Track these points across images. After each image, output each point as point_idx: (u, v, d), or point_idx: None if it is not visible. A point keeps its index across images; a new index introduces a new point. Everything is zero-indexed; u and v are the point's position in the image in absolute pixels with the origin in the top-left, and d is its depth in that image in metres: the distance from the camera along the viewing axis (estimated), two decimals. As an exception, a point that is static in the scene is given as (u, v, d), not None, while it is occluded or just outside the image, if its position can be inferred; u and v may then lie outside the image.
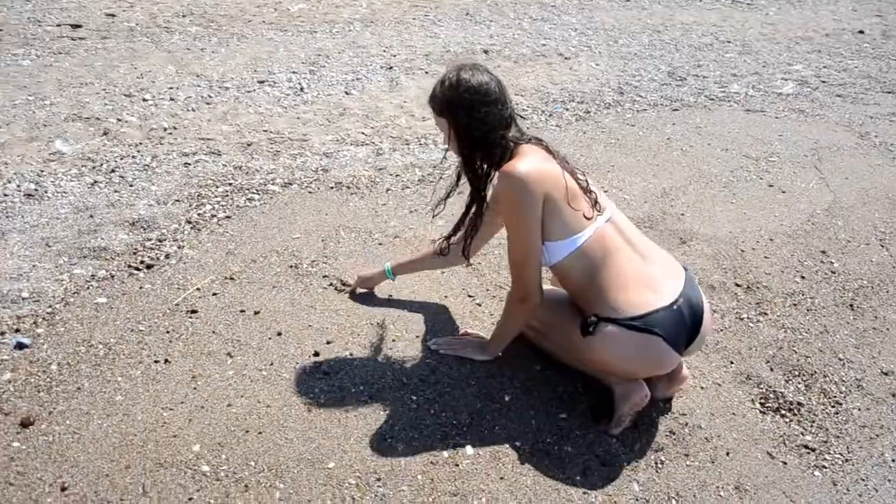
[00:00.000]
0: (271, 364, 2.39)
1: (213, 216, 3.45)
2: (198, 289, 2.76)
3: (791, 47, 8.30)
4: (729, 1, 10.47)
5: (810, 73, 7.13)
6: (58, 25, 6.78)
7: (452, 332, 2.66)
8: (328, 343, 2.51)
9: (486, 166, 2.24)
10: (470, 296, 2.90)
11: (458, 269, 3.00)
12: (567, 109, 5.58)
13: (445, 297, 2.85)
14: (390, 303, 2.80)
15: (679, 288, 2.22)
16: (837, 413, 2.59)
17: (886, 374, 2.80)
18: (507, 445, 2.20)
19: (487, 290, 2.97)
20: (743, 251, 3.44)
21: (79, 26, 6.78)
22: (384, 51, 6.79)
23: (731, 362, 2.74)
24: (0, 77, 5.26)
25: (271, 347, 2.48)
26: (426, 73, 6.21)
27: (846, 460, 2.39)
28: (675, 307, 2.17)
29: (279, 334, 2.54)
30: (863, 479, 2.33)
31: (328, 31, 7.43)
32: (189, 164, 4.09)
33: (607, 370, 2.29)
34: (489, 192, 2.31)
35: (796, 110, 5.87)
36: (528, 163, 2.12)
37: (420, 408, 2.28)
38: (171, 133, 4.52)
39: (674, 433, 2.36)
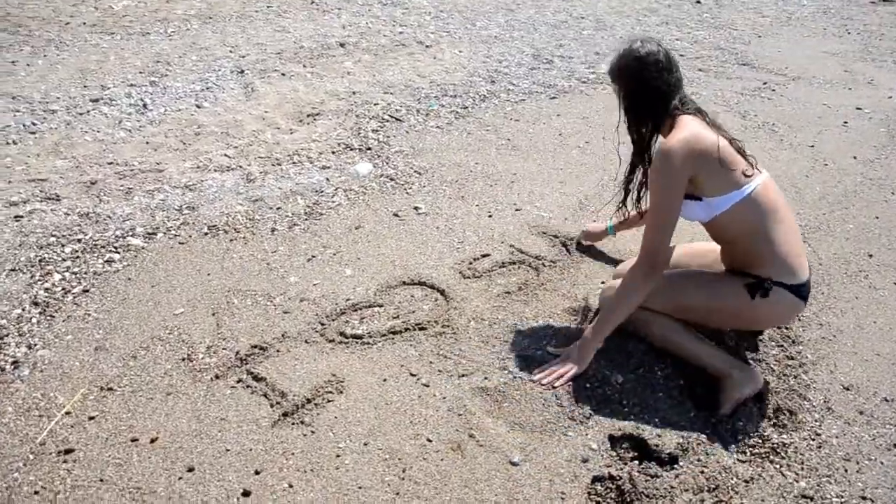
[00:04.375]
0: (193, 521, 1.83)
1: (66, 291, 2.79)
2: (68, 412, 2.13)
3: (641, 20, 8.34)
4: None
5: (667, 47, 7.13)
6: None
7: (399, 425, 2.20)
8: (257, 474, 1.95)
9: (649, 130, 2.40)
10: (413, 374, 2.40)
11: (384, 346, 2.54)
12: (443, 106, 5.20)
13: (385, 380, 2.35)
14: (309, 408, 2.28)
15: None
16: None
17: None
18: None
19: (431, 363, 2.46)
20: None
21: None
22: (230, 51, 6.08)
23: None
24: None
25: (185, 492, 1.89)
26: (282, 74, 5.59)
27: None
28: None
29: (191, 470, 1.95)
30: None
31: (163, 31, 6.57)
32: (21, 216, 3.35)
33: (741, 325, 2.50)
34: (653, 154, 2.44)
35: (669, 90, 5.78)
36: (683, 135, 2.19)
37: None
38: (-11, 177, 3.72)
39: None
